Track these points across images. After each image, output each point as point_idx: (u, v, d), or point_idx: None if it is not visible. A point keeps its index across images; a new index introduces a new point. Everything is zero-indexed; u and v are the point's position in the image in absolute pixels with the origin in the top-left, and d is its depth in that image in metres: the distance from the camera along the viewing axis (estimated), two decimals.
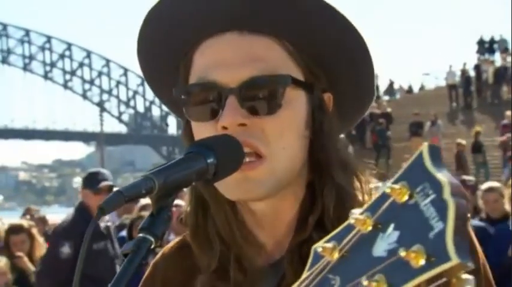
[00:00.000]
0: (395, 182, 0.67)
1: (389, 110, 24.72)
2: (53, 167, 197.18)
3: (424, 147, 0.68)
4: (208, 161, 0.97)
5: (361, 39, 1.12)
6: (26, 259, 5.83)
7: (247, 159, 1.06)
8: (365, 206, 0.70)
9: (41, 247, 6.10)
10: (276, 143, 1.08)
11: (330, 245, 0.71)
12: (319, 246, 0.72)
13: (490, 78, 26.48)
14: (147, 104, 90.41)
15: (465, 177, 8.90)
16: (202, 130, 1.11)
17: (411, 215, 0.65)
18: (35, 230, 6.14)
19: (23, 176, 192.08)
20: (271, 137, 1.08)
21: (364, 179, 1.15)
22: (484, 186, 6.71)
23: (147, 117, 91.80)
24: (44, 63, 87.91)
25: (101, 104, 72.24)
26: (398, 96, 32.95)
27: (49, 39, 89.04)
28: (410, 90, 35.10)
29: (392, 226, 0.66)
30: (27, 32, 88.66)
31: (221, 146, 1.01)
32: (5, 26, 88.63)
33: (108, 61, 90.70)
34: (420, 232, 0.63)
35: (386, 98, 31.83)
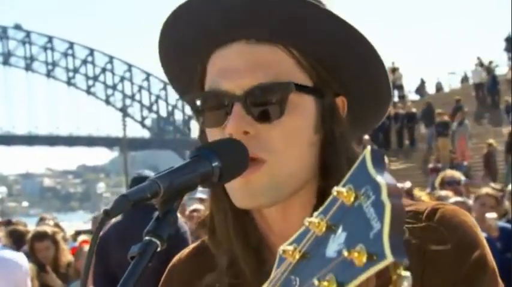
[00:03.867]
0: (343, 185, 0.72)
1: (414, 110, 24.55)
2: (77, 173, 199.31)
3: (367, 151, 0.71)
4: (213, 164, 0.98)
5: (368, 43, 1.12)
6: (53, 275, 5.87)
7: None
8: (320, 208, 0.75)
9: (66, 253, 6.15)
10: (280, 149, 1.10)
11: (291, 247, 0.76)
12: (281, 249, 0.78)
13: None
14: (170, 108, 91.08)
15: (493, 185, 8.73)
16: (213, 136, 1.14)
17: (356, 216, 0.69)
18: (59, 237, 6.19)
19: (47, 182, 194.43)
20: (276, 143, 1.10)
21: None
22: (510, 187, 6.61)
23: (169, 121, 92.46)
24: (67, 69, 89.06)
25: (123, 109, 72.90)
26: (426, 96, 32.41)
27: (71, 45, 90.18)
28: (440, 88, 34.53)
29: (341, 227, 0.71)
30: (50, 39, 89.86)
31: (226, 149, 1.03)
32: (28, 33, 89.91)
33: (130, 66, 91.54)
34: (363, 232, 0.67)
35: (417, 97, 31.51)
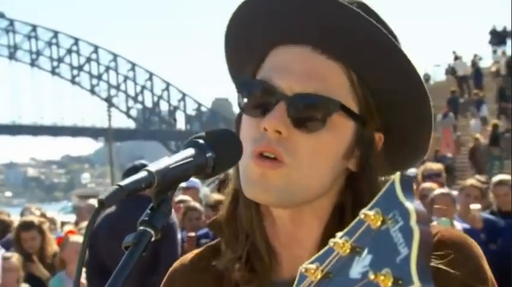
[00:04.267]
0: (370, 208, 0.72)
1: None
2: (62, 163, 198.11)
3: (396, 177, 0.72)
4: (207, 155, 0.98)
5: (427, 98, 1.14)
6: (39, 265, 5.84)
7: (267, 161, 1.10)
8: (345, 229, 0.76)
9: (52, 243, 6.12)
10: (304, 159, 1.11)
11: (313, 266, 0.77)
12: (303, 267, 0.78)
13: (502, 70, 26.29)
14: (155, 99, 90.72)
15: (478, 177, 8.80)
16: (248, 124, 1.15)
17: (382, 240, 0.70)
18: (45, 227, 6.15)
19: (31, 172, 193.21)
20: (302, 152, 1.11)
21: None
22: (495, 179, 6.67)
23: (155, 112, 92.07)
24: (51, 58, 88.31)
25: (108, 100, 72.35)
26: None
27: (56, 34, 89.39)
28: (427, 79, 34.59)
29: (366, 249, 0.72)
30: (34, 28, 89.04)
31: (220, 140, 1.02)
32: (11, 22, 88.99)
33: (115, 56, 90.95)
34: (389, 257, 0.68)
35: None
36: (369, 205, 0.73)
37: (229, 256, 1.18)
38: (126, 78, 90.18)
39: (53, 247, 6.03)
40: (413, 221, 0.67)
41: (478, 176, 9.00)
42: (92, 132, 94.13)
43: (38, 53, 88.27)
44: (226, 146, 1.03)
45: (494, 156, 19.86)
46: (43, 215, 8.20)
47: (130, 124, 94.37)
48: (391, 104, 1.15)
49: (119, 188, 0.87)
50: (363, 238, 0.72)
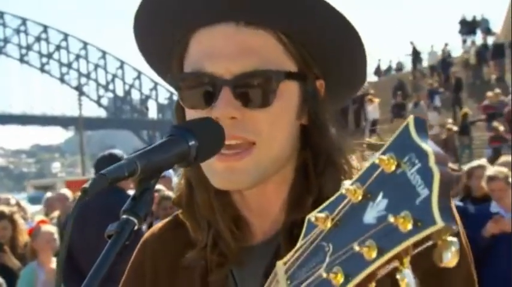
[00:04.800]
0: (384, 153, 0.70)
1: (372, 91, 24.84)
2: (31, 153, 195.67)
3: (410, 119, 0.70)
4: (190, 143, 0.98)
5: (353, 29, 1.13)
6: (10, 256, 5.77)
7: (232, 151, 1.09)
8: (355, 176, 0.74)
9: (24, 233, 6.05)
10: (266, 134, 1.11)
11: (322, 215, 0.75)
12: (312, 216, 0.77)
13: (471, 59, 26.62)
14: (127, 87, 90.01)
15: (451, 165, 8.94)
16: (195, 117, 1.12)
17: (399, 183, 0.68)
18: (17, 216, 6.08)
19: None
20: (262, 127, 1.11)
21: (356, 157, 1.18)
22: (470, 165, 6.77)
23: (126, 101, 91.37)
24: (19, 46, 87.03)
25: (79, 88, 71.63)
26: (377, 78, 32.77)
27: (24, 21, 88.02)
28: (400, 68, 34.88)
29: (381, 194, 0.70)
30: (1, 15, 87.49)
31: (202, 128, 1.02)
32: None
33: (85, 44, 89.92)
34: (407, 199, 0.66)
35: (375, 78, 31.79)
36: (382, 150, 0.71)
37: (198, 247, 1.19)
38: (96, 66, 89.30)
39: (24, 237, 5.96)
40: (432, 162, 0.65)
41: (451, 165, 9.13)
42: (62, 121, 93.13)
43: (6, 41, 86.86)
44: (208, 134, 1.03)
45: (464, 145, 20.17)
46: (18, 204, 8.11)
47: (101, 113, 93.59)
48: (325, 49, 1.15)
49: (101, 176, 0.85)
50: (377, 183, 0.70)
